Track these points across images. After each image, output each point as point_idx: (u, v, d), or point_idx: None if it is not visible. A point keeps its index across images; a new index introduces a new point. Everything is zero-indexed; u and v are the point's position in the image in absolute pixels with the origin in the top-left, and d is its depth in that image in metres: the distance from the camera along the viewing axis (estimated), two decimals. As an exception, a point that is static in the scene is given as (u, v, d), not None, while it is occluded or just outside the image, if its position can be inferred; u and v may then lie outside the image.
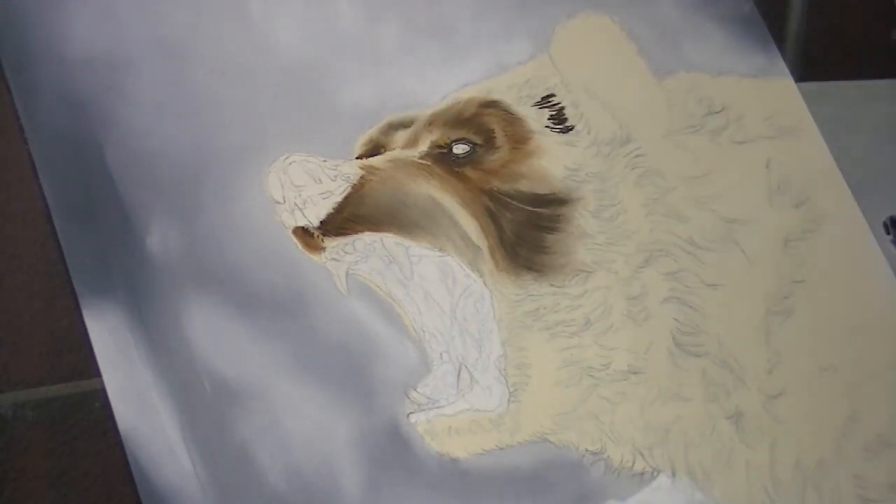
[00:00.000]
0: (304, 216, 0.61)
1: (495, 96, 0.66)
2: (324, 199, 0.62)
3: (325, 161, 0.63)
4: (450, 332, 0.62)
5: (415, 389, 0.61)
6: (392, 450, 0.60)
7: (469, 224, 0.64)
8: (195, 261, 0.59)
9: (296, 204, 0.61)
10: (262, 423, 0.58)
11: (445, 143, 0.65)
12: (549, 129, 0.67)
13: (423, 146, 0.65)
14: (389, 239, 0.63)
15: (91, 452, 0.59)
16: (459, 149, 0.65)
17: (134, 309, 0.58)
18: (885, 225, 0.58)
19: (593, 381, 0.63)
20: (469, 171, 0.65)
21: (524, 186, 0.65)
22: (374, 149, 0.64)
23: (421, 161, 0.65)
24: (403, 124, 0.65)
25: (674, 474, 0.63)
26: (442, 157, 0.65)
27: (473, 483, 0.60)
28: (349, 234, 0.62)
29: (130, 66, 0.61)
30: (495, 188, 0.65)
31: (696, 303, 0.66)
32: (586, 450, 0.62)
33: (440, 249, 0.63)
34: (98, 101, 0.60)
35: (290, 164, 0.62)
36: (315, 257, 0.61)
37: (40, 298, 0.59)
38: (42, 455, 0.58)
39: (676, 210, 0.67)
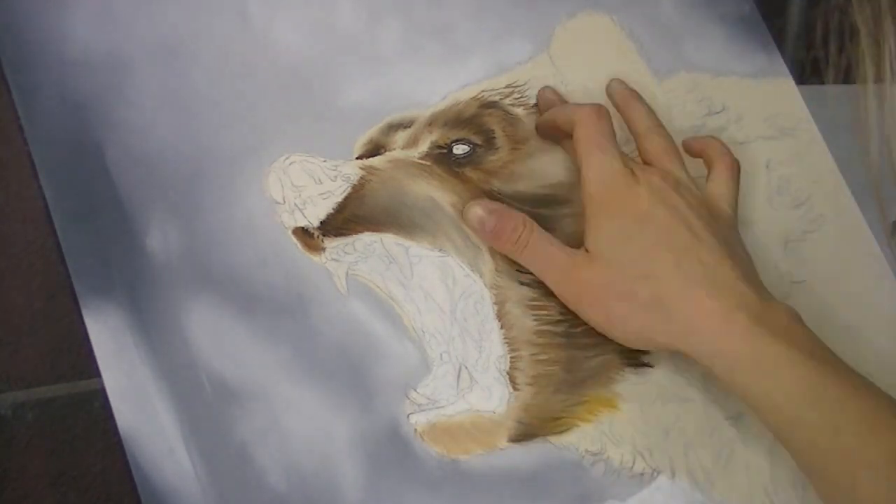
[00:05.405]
0: (304, 216, 0.61)
1: (495, 97, 0.66)
2: (324, 199, 0.62)
3: (325, 161, 0.63)
4: (450, 333, 0.62)
5: (415, 390, 0.61)
6: (392, 450, 0.60)
7: (469, 224, 0.64)
8: (195, 261, 0.59)
9: (296, 204, 0.61)
10: (262, 423, 0.58)
11: (445, 144, 0.65)
12: (549, 130, 0.67)
13: (423, 146, 0.65)
14: (389, 239, 0.63)
15: (91, 452, 0.59)
16: (459, 149, 0.65)
17: (134, 309, 0.58)
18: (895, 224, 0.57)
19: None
20: (469, 172, 0.65)
21: (524, 187, 0.65)
22: (374, 149, 0.64)
23: (421, 161, 0.65)
24: (403, 124, 0.65)
25: (673, 475, 0.63)
26: (442, 158, 0.65)
27: (473, 484, 0.60)
28: (349, 235, 0.62)
29: (130, 67, 0.61)
30: (495, 188, 0.65)
31: (696, 303, 0.65)
32: (586, 450, 0.62)
33: (440, 249, 0.63)
34: (98, 101, 0.60)
35: (290, 164, 0.62)
36: (315, 258, 0.61)
37: (40, 298, 0.59)
38: (42, 455, 0.58)
39: (676, 210, 0.67)
